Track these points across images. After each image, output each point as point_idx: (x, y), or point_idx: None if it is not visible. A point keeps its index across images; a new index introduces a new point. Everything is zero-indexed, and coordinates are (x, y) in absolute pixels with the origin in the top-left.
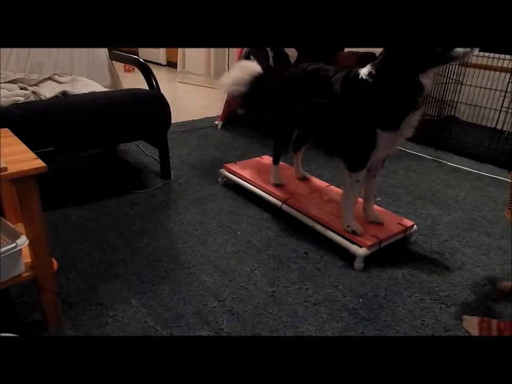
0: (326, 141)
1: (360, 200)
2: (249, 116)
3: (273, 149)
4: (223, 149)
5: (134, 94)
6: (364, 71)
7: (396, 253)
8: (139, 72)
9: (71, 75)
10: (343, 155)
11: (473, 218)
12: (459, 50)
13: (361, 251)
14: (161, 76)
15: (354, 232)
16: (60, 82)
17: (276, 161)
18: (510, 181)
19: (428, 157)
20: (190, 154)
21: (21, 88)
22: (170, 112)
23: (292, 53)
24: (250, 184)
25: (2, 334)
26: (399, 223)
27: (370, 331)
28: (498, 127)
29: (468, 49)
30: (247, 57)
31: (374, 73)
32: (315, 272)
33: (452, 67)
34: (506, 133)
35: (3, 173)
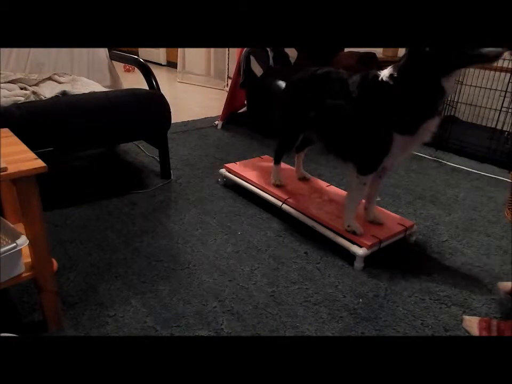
0: (338, 144)
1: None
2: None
3: (276, 149)
4: (223, 149)
5: (134, 94)
6: (384, 73)
7: (396, 253)
8: (139, 72)
9: (71, 75)
10: (354, 157)
11: (473, 218)
12: (488, 50)
13: (361, 251)
14: (161, 76)
15: (354, 232)
16: (60, 82)
17: (277, 162)
18: (510, 181)
19: (428, 157)
20: (190, 154)
21: (21, 88)
22: (170, 112)
23: (291, 53)
24: (250, 184)
25: (2, 334)
26: (399, 223)
27: (370, 331)
28: (498, 127)
29: (499, 49)
30: (247, 57)
31: (395, 75)
32: (315, 272)
33: None
34: (506, 133)
35: (3, 173)
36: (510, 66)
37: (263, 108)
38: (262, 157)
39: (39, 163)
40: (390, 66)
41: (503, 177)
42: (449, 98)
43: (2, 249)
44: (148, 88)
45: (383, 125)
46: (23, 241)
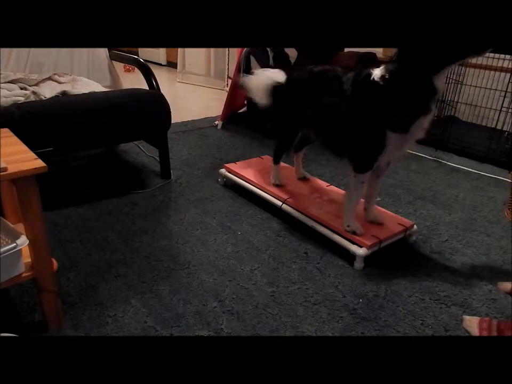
0: (334, 141)
1: (361, 199)
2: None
3: (275, 149)
4: (223, 149)
5: (134, 94)
6: (376, 73)
7: (396, 253)
8: (139, 72)
9: (71, 75)
10: (350, 155)
11: (473, 218)
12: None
13: (361, 251)
14: (161, 76)
15: (354, 232)
16: (60, 82)
17: (276, 161)
18: (510, 181)
19: (428, 157)
20: (190, 154)
21: (21, 88)
22: (170, 112)
23: (291, 53)
24: (250, 184)
25: (2, 334)
26: (399, 223)
27: (370, 331)
28: (498, 127)
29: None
30: (247, 57)
31: (386, 76)
32: (315, 272)
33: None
34: (506, 133)
35: (3, 173)
36: (510, 66)
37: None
38: (262, 157)
39: (39, 163)
40: (382, 67)
41: (503, 177)
42: (449, 98)
43: (2, 249)
44: (148, 88)
45: (376, 123)
46: (23, 241)
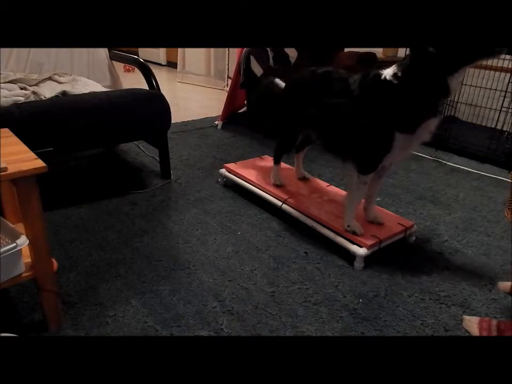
0: (337, 142)
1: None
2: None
3: (275, 149)
4: (223, 149)
5: (134, 94)
6: (388, 72)
7: (396, 253)
8: (139, 72)
9: (71, 75)
10: (354, 156)
11: (473, 218)
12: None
13: (361, 251)
14: (161, 76)
15: (354, 232)
16: (60, 82)
17: (276, 161)
18: (510, 181)
19: (428, 157)
20: (190, 154)
21: (21, 88)
22: (170, 112)
23: (292, 53)
24: (250, 184)
25: (2, 334)
26: (399, 223)
27: (370, 331)
28: (498, 127)
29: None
30: (247, 57)
31: (400, 74)
32: (315, 272)
33: None
34: (506, 133)
35: (3, 173)
36: (510, 66)
37: (263, 108)
38: (262, 157)
39: (39, 163)
40: (394, 65)
41: (503, 177)
42: (449, 98)
43: (2, 249)
44: (148, 88)
45: (385, 124)
46: (23, 241)
